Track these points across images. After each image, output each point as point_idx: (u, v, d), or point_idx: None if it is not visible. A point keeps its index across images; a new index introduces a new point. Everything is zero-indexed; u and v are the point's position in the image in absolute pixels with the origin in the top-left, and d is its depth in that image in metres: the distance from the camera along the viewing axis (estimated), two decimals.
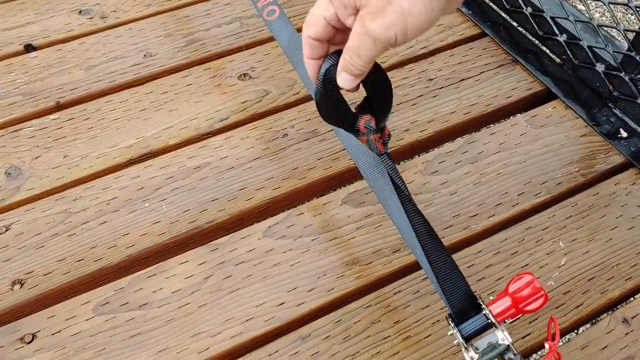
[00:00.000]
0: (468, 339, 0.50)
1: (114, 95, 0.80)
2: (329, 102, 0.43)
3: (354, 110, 0.45)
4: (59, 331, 0.59)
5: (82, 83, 0.82)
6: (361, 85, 0.42)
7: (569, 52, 0.81)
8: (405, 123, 0.77)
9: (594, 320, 0.61)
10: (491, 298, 0.50)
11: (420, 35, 0.37)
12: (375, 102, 0.44)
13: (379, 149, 0.46)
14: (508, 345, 0.48)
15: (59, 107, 0.79)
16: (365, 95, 0.44)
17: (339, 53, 0.41)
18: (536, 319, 0.60)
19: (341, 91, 0.43)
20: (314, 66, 0.43)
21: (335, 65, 0.41)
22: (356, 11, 0.38)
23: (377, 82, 0.43)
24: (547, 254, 0.64)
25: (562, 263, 0.64)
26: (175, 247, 0.66)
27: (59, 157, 0.73)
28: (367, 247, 0.65)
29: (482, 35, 0.89)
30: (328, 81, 0.41)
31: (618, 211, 0.68)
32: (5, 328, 0.60)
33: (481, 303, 0.50)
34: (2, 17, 0.91)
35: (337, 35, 0.42)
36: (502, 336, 0.49)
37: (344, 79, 0.40)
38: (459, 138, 0.76)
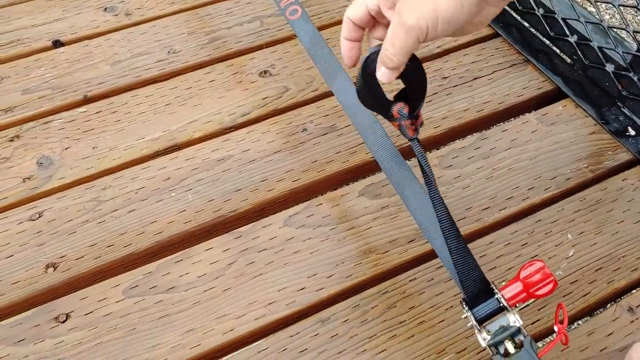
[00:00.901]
0: (481, 321, 0.53)
1: (139, 89, 0.83)
2: (367, 90, 0.47)
3: (391, 99, 0.48)
4: (91, 312, 0.63)
5: (109, 77, 0.85)
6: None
7: (579, 53, 0.84)
8: None
9: (601, 309, 0.64)
10: (503, 284, 0.53)
11: (450, 34, 0.41)
12: (411, 92, 0.48)
13: (409, 134, 0.49)
14: (519, 328, 0.51)
15: (87, 100, 0.83)
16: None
17: (379, 47, 0.44)
18: (545, 306, 0.63)
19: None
20: (346, 45, 0.48)
21: (374, 59, 0.45)
22: (394, 5, 0.41)
23: (413, 74, 0.47)
24: (556, 246, 0.67)
25: (570, 254, 0.66)
26: (200, 234, 0.69)
27: (88, 148, 0.77)
28: (383, 237, 0.68)
29: (495, 35, 0.92)
30: (367, 73, 0.45)
31: (625, 206, 0.71)
32: (40, 308, 0.63)
33: (494, 288, 0.53)
34: (31, 14, 0.95)
35: (379, 28, 0.46)
36: (513, 319, 0.51)
37: (382, 73, 0.45)
38: (471, 135, 0.79)
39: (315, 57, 0.69)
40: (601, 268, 0.66)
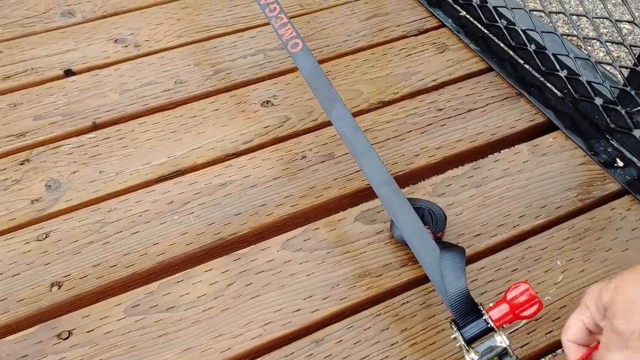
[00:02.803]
0: (470, 342, 0.55)
1: (146, 117, 0.87)
2: None
3: None
4: (92, 329, 0.65)
5: (117, 105, 0.89)
6: None
7: (569, 87, 0.87)
8: (415, 149, 0.83)
9: None
10: (491, 305, 0.55)
11: None
12: None
13: None
14: (506, 348, 0.53)
15: (96, 127, 0.86)
16: None
17: None
18: (534, 330, 0.65)
19: None
20: None
21: None
22: (605, 311, 0.43)
23: None
24: (545, 272, 0.69)
25: (559, 280, 0.68)
26: (201, 256, 0.72)
27: (95, 173, 0.80)
28: (378, 261, 0.71)
29: (489, 70, 0.95)
30: None
31: (613, 234, 0.73)
32: (44, 325, 0.65)
33: (482, 309, 0.55)
34: (45, 45, 0.99)
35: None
36: (500, 339, 0.54)
37: None
38: (465, 164, 0.81)
39: (315, 88, 0.72)
40: None
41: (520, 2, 0.96)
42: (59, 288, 0.68)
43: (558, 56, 0.88)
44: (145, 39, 1.00)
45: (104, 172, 0.80)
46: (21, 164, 0.81)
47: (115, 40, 1.00)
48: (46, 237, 0.73)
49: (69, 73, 0.94)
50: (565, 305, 0.66)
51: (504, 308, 0.54)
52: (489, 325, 0.54)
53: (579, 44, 0.89)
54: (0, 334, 0.65)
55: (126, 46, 0.99)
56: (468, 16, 1.03)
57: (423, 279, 0.69)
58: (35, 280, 0.69)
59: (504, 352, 0.53)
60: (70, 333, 0.65)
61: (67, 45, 0.99)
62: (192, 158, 0.82)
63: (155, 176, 0.79)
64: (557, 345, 0.64)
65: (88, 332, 0.65)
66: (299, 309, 0.66)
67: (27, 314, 0.66)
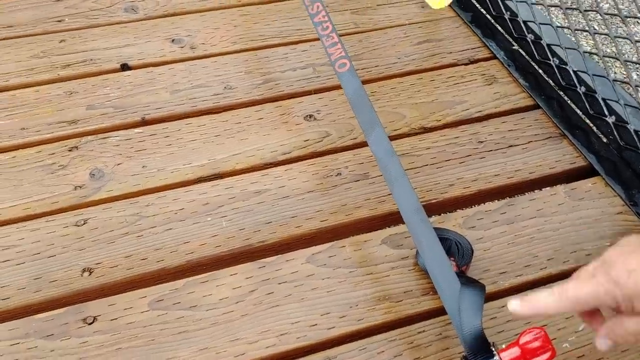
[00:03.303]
0: None
1: (193, 119, 0.90)
2: None
3: None
4: (116, 318, 0.67)
5: (167, 104, 0.92)
6: None
7: (615, 133, 0.86)
8: (451, 178, 0.83)
9: None
10: (503, 346, 0.55)
11: None
12: None
13: None
14: None
15: (144, 122, 0.89)
16: None
17: None
18: None
19: None
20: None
21: None
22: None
23: None
24: (566, 318, 0.68)
25: (580, 329, 0.67)
26: (228, 259, 0.73)
27: (138, 167, 0.83)
28: (399, 286, 0.71)
29: (535, 107, 0.95)
30: None
31: None
32: (72, 308, 0.68)
33: (493, 349, 0.55)
34: (106, 37, 1.03)
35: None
36: None
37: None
38: (499, 199, 0.81)
39: (356, 109, 0.74)
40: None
41: (575, 43, 0.95)
42: (89, 274, 0.71)
43: (608, 101, 0.87)
44: (201, 41, 1.04)
45: (146, 167, 0.83)
46: (70, 150, 0.84)
47: (173, 40, 1.03)
48: (84, 224, 0.76)
49: (125, 67, 0.98)
50: (583, 355, 0.66)
51: (515, 352, 0.54)
52: None
53: (631, 91, 0.88)
54: (31, 311, 0.68)
55: (182, 47, 1.03)
56: (521, 50, 1.03)
57: (442, 310, 0.69)
58: (69, 264, 0.72)
59: None
60: (95, 319, 0.67)
61: (126, 40, 1.03)
62: (232, 163, 0.84)
63: (195, 177, 0.82)
64: None
65: (112, 320, 0.67)
66: (315, 324, 0.67)
67: (57, 295, 0.69)
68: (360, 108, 0.74)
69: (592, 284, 0.48)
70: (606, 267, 0.47)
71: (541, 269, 0.73)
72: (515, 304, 0.51)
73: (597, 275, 0.48)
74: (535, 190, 0.83)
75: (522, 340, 0.53)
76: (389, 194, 0.80)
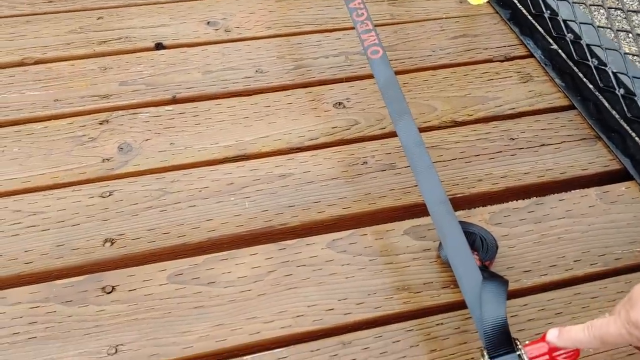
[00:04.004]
0: None
1: (223, 100, 0.90)
2: None
3: None
4: (135, 289, 0.68)
5: (198, 84, 0.92)
6: None
7: None
8: (480, 173, 0.81)
9: None
10: (526, 342, 0.54)
11: None
12: None
13: None
14: None
15: (175, 101, 0.90)
16: None
17: None
18: None
19: None
20: None
21: None
22: None
23: None
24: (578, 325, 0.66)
25: None
26: (248, 239, 0.73)
27: (166, 143, 0.83)
28: (419, 278, 0.70)
29: (571, 107, 0.92)
30: None
31: None
32: (92, 276, 0.69)
33: (518, 343, 0.54)
34: (142, 17, 1.04)
35: None
36: None
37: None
38: (528, 198, 0.79)
39: (386, 97, 0.73)
40: (634, 354, 0.64)
41: (616, 44, 0.92)
42: (111, 244, 0.72)
43: None
44: (236, 25, 1.04)
45: (174, 144, 0.83)
46: (100, 123, 0.85)
47: (208, 22, 1.04)
48: (109, 195, 0.76)
49: (159, 47, 0.99)
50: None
51: (541, 348, 0.52)
52: None
53: None
54: (51, 277, 0.69)
55: (217, 29, 1.03)
56: (559, 50, 1.01)
57: (462, 304, 0.67)
58: (92, 233, 0.73)
59: None
60: (113, 288, 0.68)
61: (162, 20, 1.04)
62: (258, 145, 0.84)
63: (221, 157, 0.82)
64: None
65: (130, 290, 0.68)
66: (332, 309, 0.67)
67: (78, 263, 0.70)
68: (390, 96, 0.73)
69: (616, 324, 0.47)
70: (628, 306, 0.46)
71: (567, 269, 0.72)
72: (552, 334, 0.51)
73: (621, 314, 0.47)
74: (566, 192, 0.81)
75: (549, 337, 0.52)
76: (414, 186, 0.79)
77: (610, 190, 0.81)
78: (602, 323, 0.49)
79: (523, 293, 0.69)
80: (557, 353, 0.52)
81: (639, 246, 0.74)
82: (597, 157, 0.85)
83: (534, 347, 0.52)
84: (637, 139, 0.87)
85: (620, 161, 0.84)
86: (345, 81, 0.94)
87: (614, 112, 0.90)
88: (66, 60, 0.95)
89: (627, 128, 0.88)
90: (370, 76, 0.94)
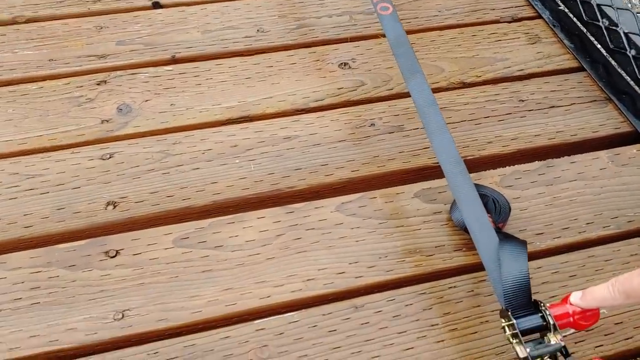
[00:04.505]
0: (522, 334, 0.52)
1: (224, 60, 0.87)
2: None
3: None
4: (139, 253, 0.66)
5: (198, 44, 0.89)
6: None
7: None
8: (489, 136, 0.80)
9: None
10: (548, 304, 0.53)
11: None
12: None
13: None
14: (563, 346, 0.50)
15: (174, 60, 0.87)
16: None
17: None
18: (583, 340, 0.62)
19: None
20: None
21: None
22: None
23: None
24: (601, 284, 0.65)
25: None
26: (255, 203, 0.71)
27: (166, 104, 0.80)
28: (431, 241, 0.69)
29: (580, 69, 0.90)
30: None
31: None
32: (94, 240, 0.66)
33: (541, 304, 0.52)
34: None
35: None
36: (555, 339, 0.51)
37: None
38: (538, 160, 0.78)
39: (397, 54, 0.70)
40: None
41: (628, 4, 0.90)
42: (114, 208, 0.69)
43: None
44: None
45: (174, 105, 0.80)
46: (98, 84, 0.82)
47: None
48: (110, 157, 0.74)
49: (156, 5, 0.95)
50: (621, 322, 0.63)
51: (564, 309, 0.51)
52: (544, 323, 0.51)
53: None
54: (53, 241, 0.67)
55: None
56: (567, 11, 0.98)
57: (475, 267, 0.67)
58: (93, 196, 0.70)
59: (559, 350, 0.51)
60: (117, 252, 0.66)
61: None
62: (262, 107, 0.81)
63: (224, 118, 0.79)
64: None
65: (135, 255, 0.66)
66: (343, 272, 0.65)
67: (80, 226, 0.68)
68: (401, 54, 0.70)
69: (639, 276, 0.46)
70: None
71: (579, 232, 0.70)
72: (576, 296, 0.52)
73: None
74: (577, 154, 0.79)
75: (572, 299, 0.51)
76: (424, 148, 0.77)
77: (621, 153, 0.79)
78: (626, 277, 0.48)
79: (536, 256, 0.68)
80: (579, 316, 0.51)
81: None
82: (608, 119, 0.83)
83: (557, 308, 0.52)
84: None
85: (631, 123, 0.83)
86: (350, 41, 0.91)
87: (624, 74, 0.89)
88: (60, 19, 0.91)
89: (638, 90, 0.86)
90: (376, 36, 0.92)
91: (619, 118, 0.84)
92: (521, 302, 0.53)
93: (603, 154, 0.79)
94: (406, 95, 0.83)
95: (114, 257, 0.65)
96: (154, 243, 0.66)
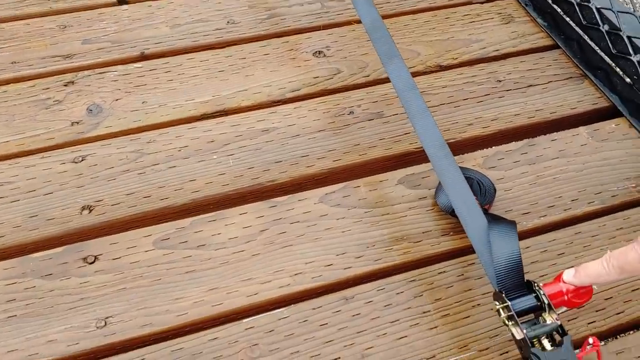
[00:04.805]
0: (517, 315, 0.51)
1: (195, 54, 0.85)
2: None
3: None
4: (119, 257, 0.63)
5: (167, 39, 0.86)
6: None
7: None
8: (469, 118, 0.79)
9: (633, 330, 0.62)
10: (541, 284, 0.52)
11: None
12: None
13: None
14: (560, 325, 0.50)
15: (144, 57, 0.84)
16: None
17: None
18: (575, 318, 0.61)
19: None
20: None
21: None
22: None
23: None
24: (594, 260, 0.65)
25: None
26: (236, 199, 0.69)
27: (137, 102, 0.78)
28: (417, 227, 0.68)
29: (555, 47, 0.90)
30: None
31: None
32: (71, 247, 0.64)
33: (534, 284, 0.52)
34: None
35: None
36: (550, 319, 0.50)
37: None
38: (520, 140, 0.77)
39: (374, 39, 0.69)
40: (638, 289, 0.64)
41: None
42: (89, 212, 0.67)
43: (633, 39, 0.82)
44: None
45: (146, 102, 0.78)
46: (65, 85, 0.79)
47: None
48: (82, 160, 0.71)
49: (121, 1, 0.92)
50: (611, 297, 0.63)
51: (557, 287, 0.51)
52: (539, 303, 0.51)
53: None
54: (27, 250, 0.64)
55: None
56: None
57: (463, 251, 0.66)
58: (67, 201, 0.67)
59: (555, 329, 0.50)
60: (96, 258, 0.63)
61: None
62: (237, 100, 0.79)
63: (198, 113, 0.77)
64: (598, 336, 0.60)
65: (114, 259, 0.63)
66: (330, 264, 0.64)
67: (55, 233, 0.65)
68: (378, 38, 0.69)
69: (634, 250, 0.46)
70: None
71: (565, 209, 0.70)
72: (569, 274, 0.51)
73: (638, 240, 0.46)
74: (557, 131, 0.79)
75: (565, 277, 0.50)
76: (405, 133, 0.76)
77: (600, 128, 0.79)
78: (620, 251, 0.48)
79: (524, 235, 0.68)
80: (573, 295, 0.51)
81: (633, 182, 0.73)
82: (585, 95, 0.83)
83: (551, 287, 0.51)
84: (623, 75, 0.85)
85: (608, 98, 0.83)
86: (323, 29, 0.89)
87: (598, 50, 0.88)
88: (21, 19, 0.88)
89: (612, 64, 0.86)
90: (349, 23, 0.90)
91: (596, 94, 0.83)
92: (514, 283, 0.52)
93: (583, 130, 0.79)
94: (384, 81, 0.82)
95: (92, 263, 0.63)
96: (133, 246, 0.64)
